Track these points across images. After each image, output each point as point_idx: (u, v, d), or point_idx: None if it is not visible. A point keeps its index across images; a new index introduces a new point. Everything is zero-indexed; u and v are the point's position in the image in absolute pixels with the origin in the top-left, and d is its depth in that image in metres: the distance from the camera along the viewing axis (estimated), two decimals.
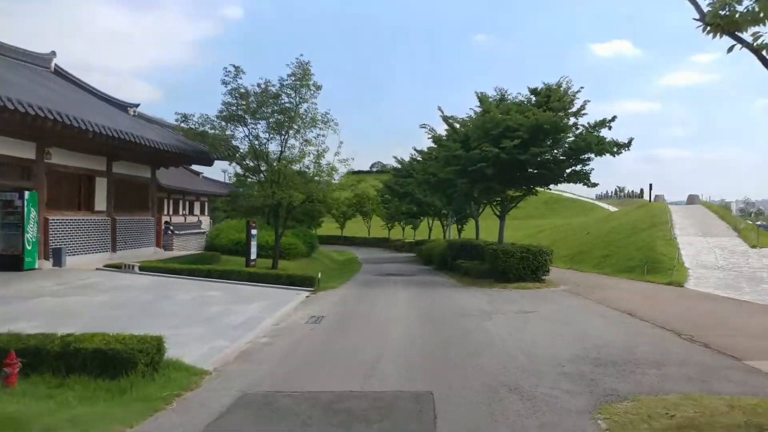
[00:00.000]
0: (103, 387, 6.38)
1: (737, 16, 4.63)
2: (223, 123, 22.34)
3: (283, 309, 12.98)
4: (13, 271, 15.07)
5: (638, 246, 29.03)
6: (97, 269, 16.50)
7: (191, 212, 49.13)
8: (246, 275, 16.79)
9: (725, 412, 5.72)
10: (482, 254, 22.61)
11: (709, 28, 4.81)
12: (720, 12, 4.71)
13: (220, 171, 54.64)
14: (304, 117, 22.27)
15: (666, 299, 16.45)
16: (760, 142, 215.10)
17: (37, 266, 15.92)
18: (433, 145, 25.76)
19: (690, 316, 13.35)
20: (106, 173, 20.24)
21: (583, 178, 20.98)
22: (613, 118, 20.80)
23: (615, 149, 20.55)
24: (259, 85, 21.93)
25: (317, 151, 22.79)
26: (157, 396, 6.18)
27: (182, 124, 22.11)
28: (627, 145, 20.75)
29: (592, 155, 20.85)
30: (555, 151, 20.84)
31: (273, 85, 21.86)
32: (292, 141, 22.61)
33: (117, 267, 16.81)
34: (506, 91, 22.83)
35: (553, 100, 20.43)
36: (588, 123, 20.93)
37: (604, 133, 20.75)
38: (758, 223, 42.17)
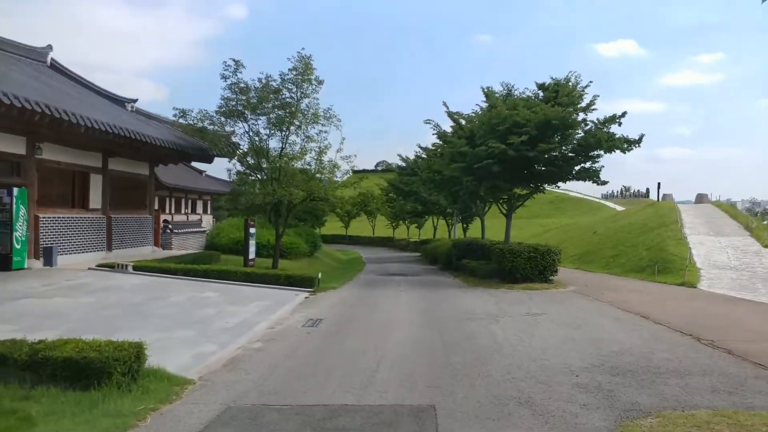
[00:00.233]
0: (72, 400, 5.79)
1: None
2: (223, 119, 21.81)
3: (279, 311, 12.40)
4: (1, 271, 14.52)
5: (648, 246, 28.38)
6: (89, 269, 15.95)
7: (194, 211, 48.71)
8: (243, 275, 16.21)
9: None
10: (488, 254, 21.99)
11: None
12: None
13: (224, 169, 54.14)
14: (305, 112, 21.73)
15: (680, 301, 15.80)
16: (763, 142, 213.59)
17: (26, 266, 15.38)
18: (438, 141, 25.11)
19: (707, 318, 12.72)
20: (102, 170, 19.69)
21: (592, 175, 20.29)
22: (624, 114, 20.11)
23: (626, 146, 19.87)
24: (259, 80, 21.41)
25: (319, 147, 22.26)
26: (130, 411, 5.58)
27: (180, 120, 21.57)
28: (638, 142, 20.09)
29: (602, 152, 20.20)
30: (564, 147, 20.17)
31: (274, 80, 21.33)
32: (293, 137, 22.09)
33: (110, 267, 16.25)
34: (513, 86, 22.17)
35: (561, 95, 19.75)
36: (597, 119, 20.27)
37: (614, 129, 20.08)
38: (766, 222, 41.28)
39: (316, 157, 22.20)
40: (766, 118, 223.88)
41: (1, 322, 9.01)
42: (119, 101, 23.08)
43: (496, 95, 21.66)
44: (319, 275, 17.28)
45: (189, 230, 29.28)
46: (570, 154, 20.17)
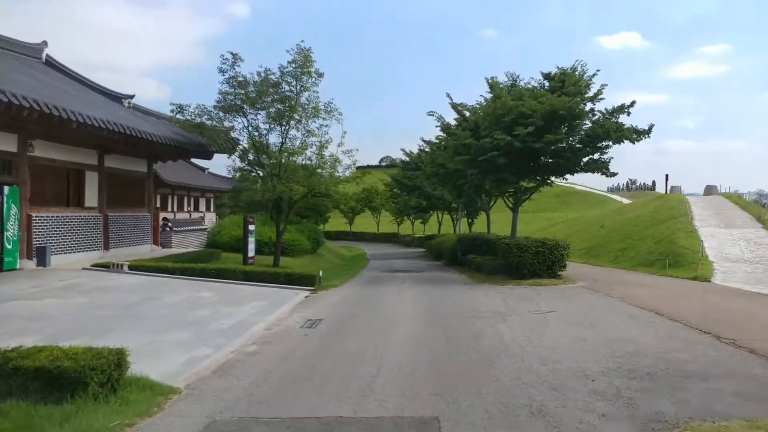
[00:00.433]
0: (44, 414, 5.30)
1: None
2: (221, 114, 21.32)
3: (278, 311, 11.92)
4: None
5: (657, 239, 27.79)
6: (83, 269, 15.52)
7: (196, 209, 48.42)
8: (242, 274, 15.74)
9: None
10: (494, 249, 21.47)
11: None
12: None
13: (225, 166, 53.88)
14: (305, 106, 21.21)
15: (694, 296, 15.26)
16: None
17: (18, 266, 14.94)
18: (441, 134, 24.53)
19: (724, 315, 12.18)
20: (98, 167, 19.25)
21: (601, 167, 19.70)
22: (632, 104, 19.50)
23: (635, 136, 19.28)
24: (258, 74, 20.90)
25: (320, 142, 21.73)
26: (103, 426, 5.10)
27: (178, 116, 21.07)
28: (647, 132, 19.49)
29: (610, 143, 19.62)
30: (571, 138, 19.60)
31: (273, 73, 20.82)
32: (293, 132, 21.57)
33: (105, 266, 15.81)
34: (518, 77, 21.58)
35: (568, 85, 19.17)
36: (606, 109, 19.68)
37: (623, 119, 19.49)
38: None
39: (317, 152, 21.70)
40: None
41: None
42: (116, 97, 22.59)
43: (501, 86, 21.09)
44: (320, 273, 16.78)
45: (189, 228, 28.83)
46: (578, 145, 19.58)
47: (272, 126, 21.41)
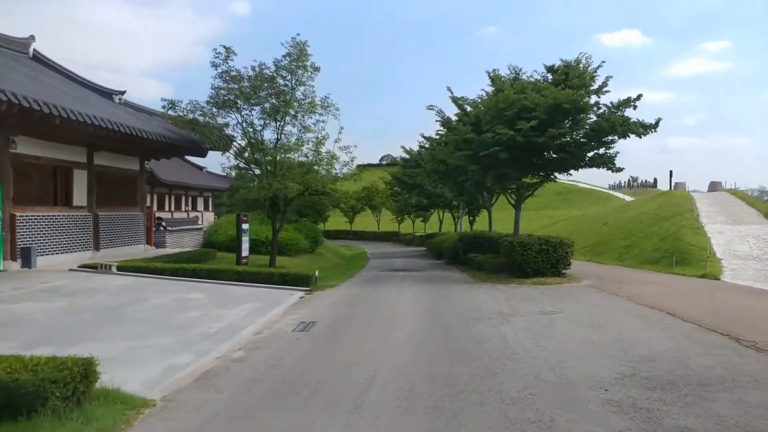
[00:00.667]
0: None
1: None
2: (215, 109, 20.70)
3: (270, 313, 11.33)
4: None
5: (662, 236, 27.18)
6: (69, 270, 14.93)
7: (194, 208, 47.79)
8: (235, 274, 15.15)
9: None
10: (496, 247, 20.89)
11: None
12: None
13: (219, 164, 53.38)
14: (301, 101, 20.62)
15: (704, 294, 14.64)
16: None
17: (2, 268, 14.35)
18: (441, 129, 23.90)
19: (739, 314, 11.58)
20: (87, 165, 18.65)
21: (607, 162, 19.08)
22: (639, 97, 18.89)
23: (641, 130, 18.67)
24: (253, 68, 20.29)
25: (316, 138, 21.13)
26: None
27: (170, 112, 20.47)
28: (654, 126, 18.87)
29: (616, 137, 19.02)
30: (575, 133, 18.98)
31: (267, 68, 20.22)
32: (289, 128, 20.98)
33: (92, 267, 15.22)
34: (520, 70, 20.96)
35: (572, 77, 18.57)
36: (611, 102, 19.07)
37: (629, 113, 18.89)
38: None
39: (313, 149, 21.08)
40: None
41: None
42: (106, 93, 22.02)
43: (503, 79, 20.47)
44: (316, 273, 16.20)
45: (184, 227, 28.21)
46: (582, 140, 18.98)
47: (267, 122, 20.82)
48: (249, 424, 5.31)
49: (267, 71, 20.15)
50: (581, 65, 19.34)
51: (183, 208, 45.62)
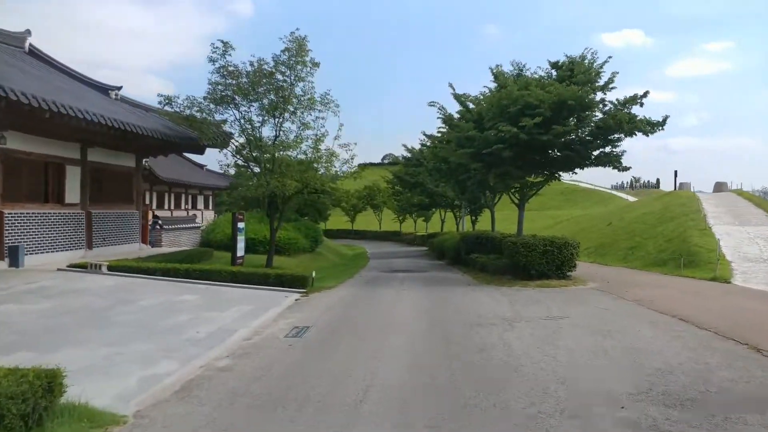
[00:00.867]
0: None
1: None
2: (212, 106, 20.17)
3: (263, 317, 10.82)
4: None
5: (668, 237, 26.63)
6: (58, 270, 14.42)
7: (194, 206, 47.32)
8: (229, 275, 14.64)
9: None
10: (499, 248, 20.37)
11: None
12: None
13: (217, 161, 52.92)
14: (300, 97, 20.08)
15: (717, 299, 14.06)
16: None
17: None
18: (443, 127, 23.33)
19: (755, 321, 11.01)
20: (80, 161, 18.14)
21: (613, 160, 18.52)
22: (645, 94, 18.33)
23: (648, 128, 18.11)
24: (251, 63, 19.75)
25: (316, 135, 20.58)
26: None
27: (166, 108, 19.93)
28: (662, 124, 18.32)
29: (622, 135, 18.46)
30: (580, 130, 18.43)
31: (266, 63, 19.68)
32: (287, 124, 20.43)
33: (82, 267, 14.71)
34: (524, 66, 20.42)
35: (577, 73, 18.02)
36: (617, 99, 18.51)
37: (635, 110, 18.33)
38: None
39: (312, 146, 20.52)
40: None
41: None
42: (102, 88, 21.51)
43: (506, 75, 19.92)
44: (313, 274, 15.69)
45: (181, 226, 27.67)
46: (588, 138, 18.42)
47: (265, 118, 20.28)
48: None
49: (266, 67, 19.63)
50: (586, 61, 18.80)
51: (183, 207, 45.16)
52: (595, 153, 18.73)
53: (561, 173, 20.48)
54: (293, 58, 19.44)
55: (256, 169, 21.18)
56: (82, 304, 10.99)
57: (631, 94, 18.26)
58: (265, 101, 19.80)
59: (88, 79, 21.86)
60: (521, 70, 20.39)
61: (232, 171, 24.24)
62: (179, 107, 19.80)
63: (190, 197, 46.99)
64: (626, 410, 5.52)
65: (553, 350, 8.16)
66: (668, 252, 24.24)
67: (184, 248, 24.00)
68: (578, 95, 17.15)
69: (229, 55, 19.56)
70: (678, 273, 20.45)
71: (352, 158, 21.61)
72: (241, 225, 18.71)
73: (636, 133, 18.19)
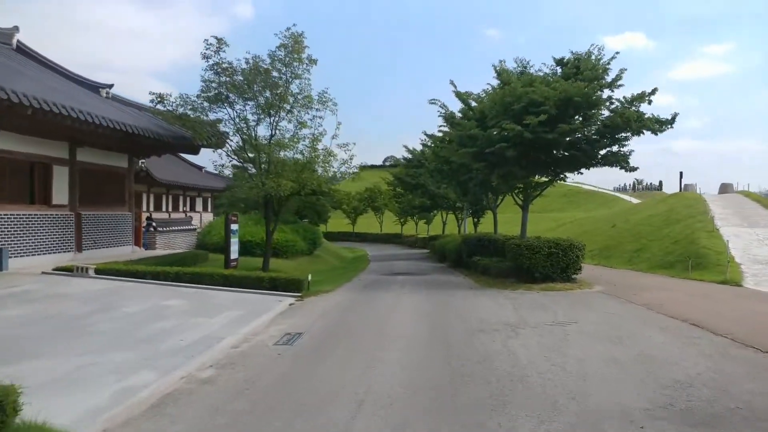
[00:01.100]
0: None
1: None
2: (206, 104, 19.60)
3: (254, 323, 10.25)
4: None
5: (675, 239, 26.02)
6: (42, 273, 13.87)
7: (193, 208, 46.75)
8: (221, 279, 14.08)
9: None
10: (502, 250, 19.79)
11: None
12: None
13: (210, 161, 52.35)
14: (297, 95, 19.51)
15: (729, 303, 13.45)
16: None
17: None
18: (444, 125, 22.72)
19: None
20: (69, 161, 17.58)
21: (621, 160, 17.91)
22: (654, 91, 17.74)
23: (657, 126, 17.53)
24: (247, 61, 19.19)
25: (313, 134, 19.98)
26: None
27: (158, 106, 19.36)
28: (671, 122, 17.75)
29: (630, 134, 17.88)
30: (587, 129, 17.84)
31: (263, 60, 19.12)
32: (284, 123, 19.86)
33: (68, 270, 14.16)
34: (528, 62, 19.84)
35: (583, 69, 17.43)
36: (624, 97, 17.91)
37: (644, 108, 17.73)
38: None
39: (309, 145, 19.93)
40: None
41: None
42: (92, 86, 20.98)
43: (510, 72, 19.34)
44: (309, 277, 15.12)
45: (176, 228, 27.07)
46: (594, 137, 17.83)
47: (261, 117, 19.71)
48: None
49: (262, 64, 19.07)
50: (593, 57, 18.22)
51: (181, 209, 44.60)
52: (602, 152, 18.14)
53: (566, 173, 19.83)
54: (289, 55, 18.90)
55: (253, 171, 20.61)
56: (62, 310, 10.42)
57: (639, 92, 17.70)
58: (261, 99, 19.26)
59: (78, 77, 21.32)
60: (525, 68, 19.83)
61: (226, 172, 23.68)
62: (172, 106, 19.24)
63: (188, 199, 46.44)
64: (645, 430, 4.94)
65: (561, 359, 7.58)
66: (675, 254, 23.63)
67: (179, 251, 23.43)
68: (585, 92, 16.58)
69: (223, 51, 19.02)
70: (686, 275, 19.86)
71: (351, 158, 21.00)
72: (234, 227, 18.13)
73: (644, 131, 17.63)
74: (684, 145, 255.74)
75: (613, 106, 17.82)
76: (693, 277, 19.37)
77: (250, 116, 19.65)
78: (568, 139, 17.22)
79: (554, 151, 18.08)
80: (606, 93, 17.86)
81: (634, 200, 79.80)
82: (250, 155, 19.77)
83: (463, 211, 37.72)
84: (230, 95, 19.17)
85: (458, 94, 20.33)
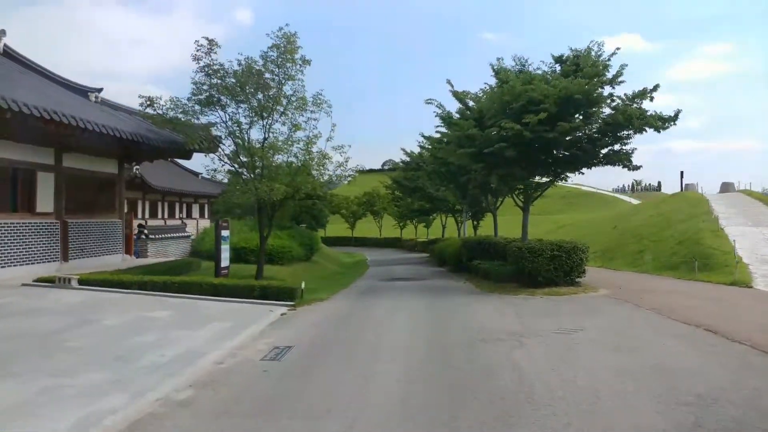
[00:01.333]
0: None
1: None
2: (197, 107, 19.01)
3: (241, 335, 9.64)
4: None
5: (678, 239, 25.50)
6: (23, 285, 13.26)
7: (189, 215, 46.21)
8: (210, 288, 13.48)
9: None
10: (503, 253, 19.24)
11: None
12: None
13: (202, 165, 51.74)
14: (290, 97, 18.93)
15: (742, 306, 12.87)
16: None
17: None
18: (441, 126, 22.13)
19: None
20: (54, 167, 17.00)
21: (623, 159, 17.36)
22: (656, 87, 17.19)
23: (659, 123, 16.97)
24: (239, 63, 18.61)
25: (307, 137, 19.38)
26: None
27: (148, 110, 18.75)
28: (674, 119, 17.18)
29: (632, 132, 17.32)
30: (588, 127, 17.28)
31: (255, 62, 18.55)
32: (277, 126, 19.27)
33: (50, 281, 13.55)
34: (527, 61, 19.27)
35: (584, 66, 16.87)
36: (625, 94, 17.34)
37: (646, 105, 17.19)
38: None
39: (304, 148, 19.33)
40: None
41: None
42: (81, 90, 20.44)
43: (508, 71, 18.78)
44: (302, 285, 14.52)
45: (169, 235, 26.45)
46: (596, 135, 17.28)
47: (254, 120, 19.13)
48: None
49: (255, 65, 18.50)
50: (593, 53, 17.66)
51: (177, 216, 44.05)
52: (604, 151, 17.60)
53: (567, 173, 19.27)
54: (282, 56, 18.34)
55: (246, 175, 20.02)
56: (35, 325, 9.80)
57: (641, 89, 17.14)
58: (254, 102, 18.69)
59: (66, 80, 20.80)
60: (524, 66, 19.25)
61: (219, 177, 23.08)
62: (162, 109, 18.65)
63: (184, 206, 45.90)
64: None
65: (570, 372, 6.98)
66: (680, 255, 23.10)
67: (172, 258, 22.84)
68: (585, 89, 16.04)
69: (215, 53, 18.45)
70: (692, 277, 19.32)
71: (346, 161, 20.40)
72: (225, 233, 17.47)
73: (646, 129, 17.08)
74: (683, 146, 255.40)
75: (614, 104, 17.29)
76: (700, 279, 18.85)
77: (242, 119, 19.08)
78: (568, 137, 16.69)
79: (554, 151, 17.56)
80: (607, 90, 17.35)
81: (634, 201, 79.38)
82: (244, 159, 19.20)
83: (462, 213, 37.20)
84: (222, 98, 18.61)
85: (455, 94, 19.77)
